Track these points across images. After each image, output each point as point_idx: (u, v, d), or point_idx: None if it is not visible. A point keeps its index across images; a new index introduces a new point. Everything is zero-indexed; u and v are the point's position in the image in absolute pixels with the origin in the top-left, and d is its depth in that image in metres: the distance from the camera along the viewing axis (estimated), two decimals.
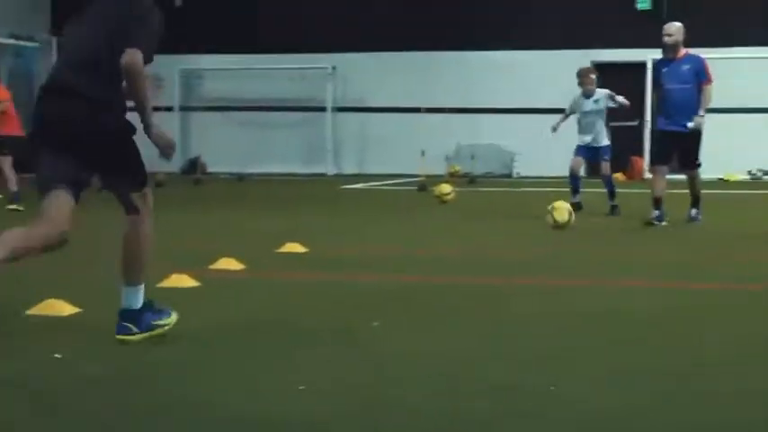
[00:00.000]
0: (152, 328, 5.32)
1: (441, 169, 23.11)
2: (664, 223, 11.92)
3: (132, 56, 5.03)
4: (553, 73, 24.74)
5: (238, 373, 4.69)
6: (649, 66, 23.65)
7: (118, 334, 5.28)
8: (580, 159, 13.98)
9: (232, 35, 27.34)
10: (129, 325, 5.27)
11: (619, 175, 23.67)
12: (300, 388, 4.40)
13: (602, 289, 7.43)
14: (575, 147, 13.95)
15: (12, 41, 27.51)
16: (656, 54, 23.40)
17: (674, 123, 12.04)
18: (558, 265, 8.85)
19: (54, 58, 27.65)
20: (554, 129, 13.97)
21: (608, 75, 25.08)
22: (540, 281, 7.78)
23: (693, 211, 12.42)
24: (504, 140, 24.86)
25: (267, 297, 7.01)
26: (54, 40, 27.92)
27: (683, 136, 12.00)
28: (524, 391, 4.39)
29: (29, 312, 6.01)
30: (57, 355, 4.96)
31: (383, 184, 21.76)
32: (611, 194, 13.58)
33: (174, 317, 5.44)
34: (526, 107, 24.89)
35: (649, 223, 11.88)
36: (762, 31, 23.07)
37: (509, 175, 24.55)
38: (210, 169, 26.47)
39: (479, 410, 4.11)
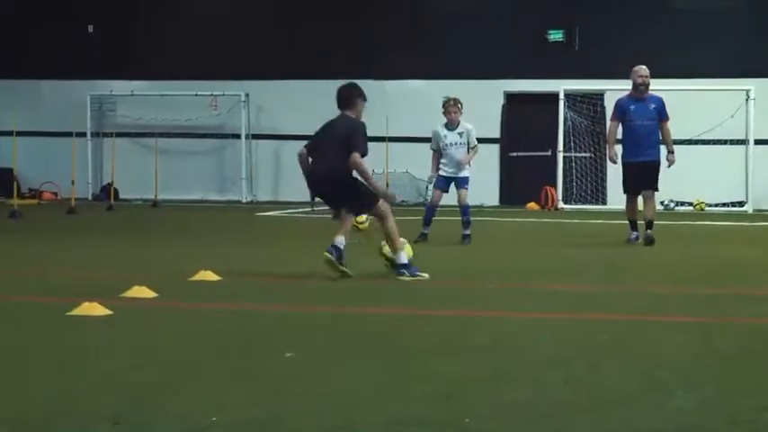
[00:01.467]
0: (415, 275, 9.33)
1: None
2: (640, 241, 13.61)
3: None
4: (466, 103, 24.96)
5: (140, 403, 4.63)
6: (561, 96, 24.06)
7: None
8: (440, 193, 13.98)
9: (145, 61, 27.17)
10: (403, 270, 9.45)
11: (533, 205, 23.96)
12: (213, 419, 4.36)
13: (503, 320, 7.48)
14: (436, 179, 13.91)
15: None
16: (568, 84, 24.06)
17: (640, 155, 13.59)
18: (458, 297, 8.89)
19: None
20: (430, 179, 14.23)
21: (521, 105, 25.48)
22: (442, 312, 7.80)
23: (648, 232, 13.45)
24: (417, 169, 24.96)
25: (176, 326, 6.94)
26: None
27: (648, 165, 13.61)
28: (433, 425, 4.39)
29: None
30: None
31: (298, 212, 21.72)
32: (466, 224, 13.75)
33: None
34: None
35: (628, 241, 13.78)
36: (672, 60, 23.49)
37: (423, 204, 24.60)
38: (123, 195, 26.21)
39: None
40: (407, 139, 24.84)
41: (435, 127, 13.97)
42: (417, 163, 24.98)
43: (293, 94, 26.05)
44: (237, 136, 26.65)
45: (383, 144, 23.60)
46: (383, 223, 9.83)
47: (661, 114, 13.76)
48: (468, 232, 13.70)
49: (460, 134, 13.72)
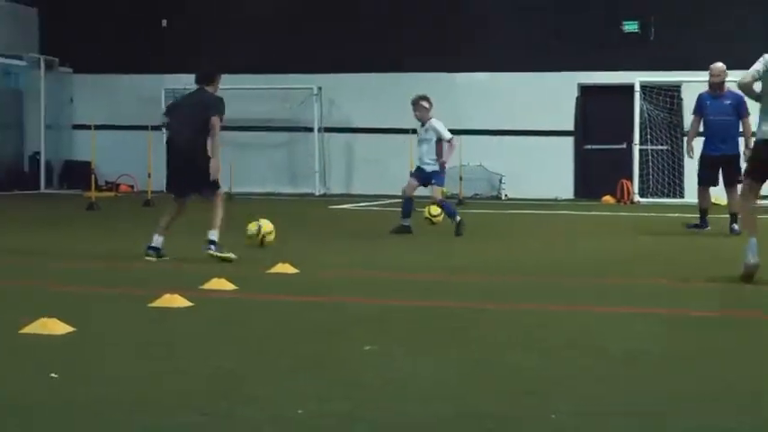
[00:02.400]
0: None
1: (427, 190, 23.09)
2: (708, 229, 14.00)
3: None
4: (539, 96, 24.84)
5: (224, 394, 4.66)
6: (637, 87, 23.80)
7: None
8: (413, 182, 14.12)
9: (217, 54, 27.33)
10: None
11: (608, 198, 23.72)
12: (299, 411, 4.37)
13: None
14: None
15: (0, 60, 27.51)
16: (643, 76, 23.78)
17: (715, 149, 13.98)
18: (536, 291, 8.84)
19: (42, 75, 27.71)
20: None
21: (595, 97, 25.24)
22: (520, 306, 7.76)
23: (733, 226, 13.59)
24: (491, 162, 24.88)
25: (256, 318, 6.99)
26: (41, 59, 27.93)
27: (723, 159, 13.93)
28: (516, 420, 4.37)
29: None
30: None
31: (370, 205, 21.75)
32: (451, 215, 13.85)
33: None
34: (512, 129, 24.97)
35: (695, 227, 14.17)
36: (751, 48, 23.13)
37: (498, 197, 24.54)
38: None
39: None
40: (479, 132, 24.76)
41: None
42: (489, 156, 24.98)
43: (365, 87, 26.07)
44: (310, 129, 26.73)
45: (456, 137, 23.52)
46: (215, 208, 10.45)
47: (740, 111, 13.93)
48: (457, 220, 13.72)
49: (426, 130, 13.95)
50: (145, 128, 23.63)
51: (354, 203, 22.38)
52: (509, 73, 24.88)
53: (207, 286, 8.13)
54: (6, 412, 4.28)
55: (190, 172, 10.50)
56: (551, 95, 24.85)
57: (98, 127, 22.13)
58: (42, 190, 27.45)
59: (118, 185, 27.02)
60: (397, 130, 23.98)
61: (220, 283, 8.22)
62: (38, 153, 28.12)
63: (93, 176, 20.99)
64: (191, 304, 7.19)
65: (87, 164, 23.86)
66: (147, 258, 10.31)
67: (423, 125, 14.03)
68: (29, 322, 6.03)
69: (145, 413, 4.31)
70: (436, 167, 13.95)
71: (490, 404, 4.55)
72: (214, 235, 10.32)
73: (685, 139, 15.56)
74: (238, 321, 6.82)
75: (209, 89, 10.69)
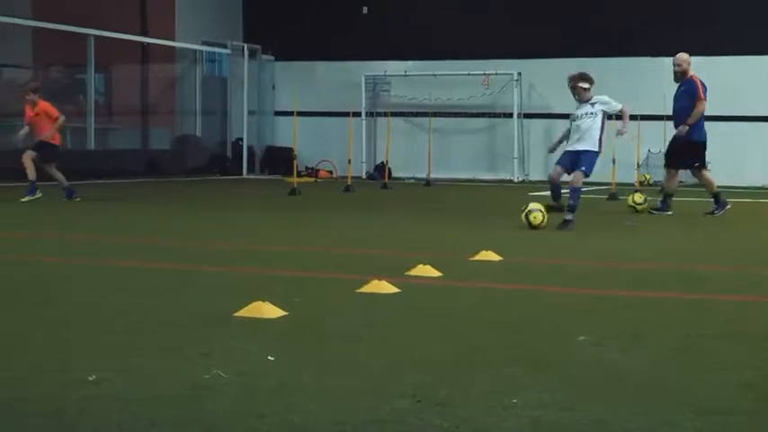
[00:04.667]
0: None
1: (630, 177, 22.65)
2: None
3: None
4: (755, 79, 24.03)
5: (436, 381, 4.63)
6: None
7: None
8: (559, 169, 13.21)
9: (418, 41, 27.48)
10: None
11: None
12: (513, 401, 4.31)
13: None
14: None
15: (205, 48, 28.33)
16: None
17: None
18: (740, 282, 8.52)
19: (245, 63, 28.43)
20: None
21: None
22: (725, 297, 7.49)
23: None
24: None
25: (462, 305, 6.95)
26: (245, 47, 28.63)
27: None
28: (743, 415, 4.19)
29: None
30: None
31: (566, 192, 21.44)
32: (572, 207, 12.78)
33: None
34: (722, 114, 24.23)
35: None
36: None
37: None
38: (396, 174, 26.65)
39: None
40: None
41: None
42: None
43: (565, 72, 25.66)
44: (509, 115, 26.60)
45: (660, 123, 22.99)
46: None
47: None
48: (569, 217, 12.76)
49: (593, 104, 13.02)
50: (346, 114, 23.95)
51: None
52: (723, 57, 24.16)
53: (412, 272, 8.14)
54: (234, 389, 4.35)
55: None
56: (760, 80, 24.07)
57: (299, 113, 22.54)
58: (245, 175, 28.17)
59: (317, 171, 27.48)
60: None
61: (425, 270, 8.21)
62: (240, 139, 28.86)
63: (294, 162, 21.38)
64: (397, 290, 7.20)
65: (288, 149, 24.37)
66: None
67: (583, 103, 13.13)
68: (243, 306, 6.13)
69: (360, 397, 4.31)
70: (593, 148, 12.98)
71: (717, 399, 4.39)
72: None
73: None
74: (445, 309, 6.79)
75: None
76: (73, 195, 16.29)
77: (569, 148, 13.06)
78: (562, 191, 13.14)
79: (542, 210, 12.31)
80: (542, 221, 12.25)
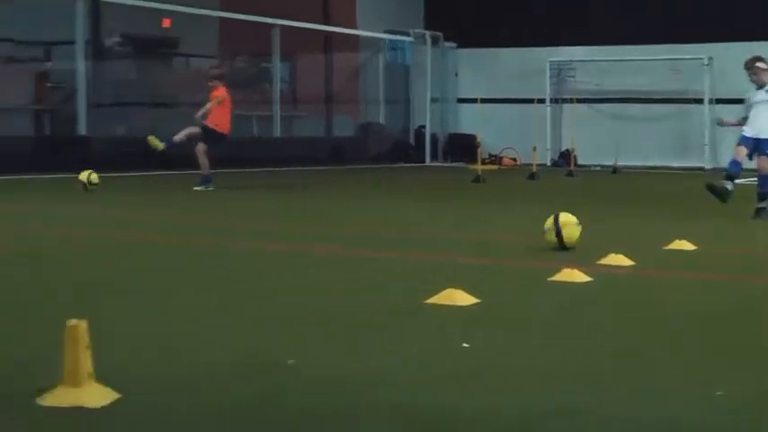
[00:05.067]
0: None
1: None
2: None
3: None
4: None
5: (631, 372, 4.48)
6: None
7: None
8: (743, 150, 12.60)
9: (604, 26, 27.01)
10: None
11: None
12: (718, 393, 4.14)
13: None
14: None
15: (388, 36, 28.50)
16: None
17: None
18: None
19: (428, 50, 28.48)
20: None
21: None
22: None
23: None
24: None
25: (656, 295, 6.76)
26: (427, 35, 28.68)
27: None
28: None
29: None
30: None
31: (749, 181, 20.71)
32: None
33: None
34: None
35: None
36: None
37: None
38: (581, 161, 26.28)
39: None
40: None
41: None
42: None
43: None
44: (699, 101, 25.91)
45: None
46: None
47: None
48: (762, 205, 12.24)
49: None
50: (530, 101, 23.75)
51: (746, 179, 21.42)
52: None
53: (604, 261, 7.97)
54: (468, 381, 4.31)
55: None
56: None
57: (482, 101, 22.46)
58: (427, 163, 28.23)
59: (501, 158, 27.33)
60: None
61: (618, 259, 8.02)
62: (423, 126, 28.94)
63: (478, 150, 21.30)
64: (590, 279, 7.05)
65: (471, 137, 24.30)
66: None
67: (759, 89, 12.65)
68: (435, 292, 6.10)
69: (552, 385, 4.21)
70: None
71: None
72: None
73: None
74: (639, 298, 6.61)
75: None
76: (207, 184, 16.02)
77: (749, 135, 12.61)
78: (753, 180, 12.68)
79: (552, 227, 8.82)
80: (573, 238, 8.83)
